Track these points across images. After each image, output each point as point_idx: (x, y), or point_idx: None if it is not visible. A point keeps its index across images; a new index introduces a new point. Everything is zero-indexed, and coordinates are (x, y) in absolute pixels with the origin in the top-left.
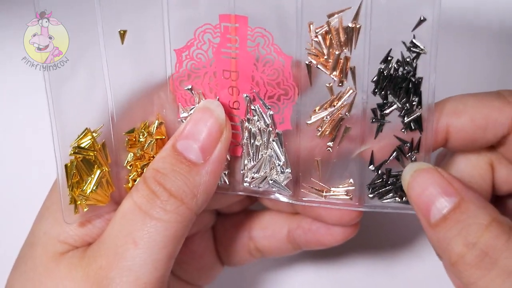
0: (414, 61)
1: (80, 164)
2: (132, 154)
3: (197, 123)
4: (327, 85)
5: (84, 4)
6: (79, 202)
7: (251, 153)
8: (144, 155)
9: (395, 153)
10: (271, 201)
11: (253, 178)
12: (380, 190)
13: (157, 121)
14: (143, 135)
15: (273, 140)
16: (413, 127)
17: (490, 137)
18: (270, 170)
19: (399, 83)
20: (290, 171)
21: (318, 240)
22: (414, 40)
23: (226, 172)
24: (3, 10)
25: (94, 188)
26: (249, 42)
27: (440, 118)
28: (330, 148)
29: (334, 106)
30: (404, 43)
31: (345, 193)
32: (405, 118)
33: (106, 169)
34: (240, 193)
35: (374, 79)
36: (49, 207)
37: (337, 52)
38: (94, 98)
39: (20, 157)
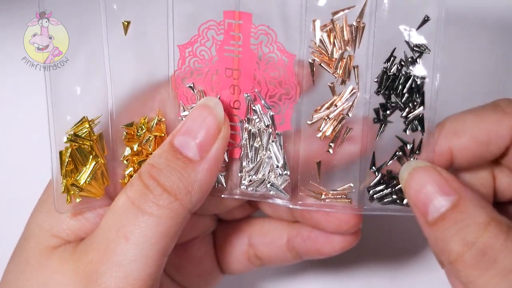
0: (418, 60)
1: (75, 153)
2: (130, 149)
3: (196, 120)
4: (330, 84)
5: None
6: (72, 192)
7: (249, 155)
8: (142, 150)
9: (396, 154)
10: (271, 208)
11: (251, 181)
12: (380, 193)
13: (156, 118)
14: (141, 129)
15: (272, 141)
16: (415, 128)
17: (494, 150)
18: (269, 173)
19: (402, 83)
20: (288, 173)
21: (317, 248)
22: (417, 40)
23: (224, 174)
24: (3, 10)
25: (88, 180)
26: (252, 39)
27: (441, 141)
28: (330, 150)
29: (336, 106)
30: (407, 42)
31: (345, 196)
32: (407, 119)
33: (102, 161)
34: (237, 197)
35: (377, 79)
36: (45, 200)
37: (340, 51)
38: (93, 86)
39: (20, 157)
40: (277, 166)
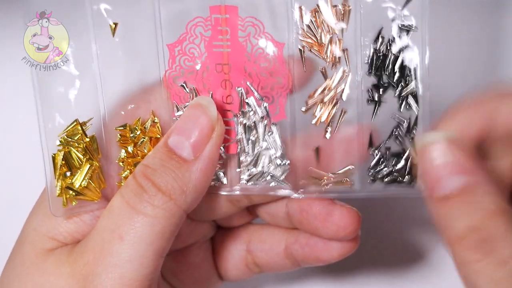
0: (406, 38)
1: (68, 156)
2: (125, 151)
3: (189, 119)
4: (321, 69)
5: None
6: (68, 195)
7: (247, 149)
8: (137, 152)
9: (393, 133)
10: (270, 215)
11: (250, 174)
12: (381, 172)
13: (150, 119)
14: (136, 131)
15: (269, 132)
16: (409, 105)
17: None
18: (268, 164)
19: (392, 62)
20: (288, 162)
21: (316, 255)
22: (404, 18)
23: (223, 171)
24: (3, 10)
25: (83, 183)
26: (240, 32)
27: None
28: (327, 134)
29: (329, 90)
30: (393, 20)
31: (346, 180)
32: (401, 97)
33: (96, 163)
34: (237, 192)
35: (367, 60)
36: (41, 203)
37: (329, 35)
38: (83, 89)
39: (20, 157)
40: (276, 157)
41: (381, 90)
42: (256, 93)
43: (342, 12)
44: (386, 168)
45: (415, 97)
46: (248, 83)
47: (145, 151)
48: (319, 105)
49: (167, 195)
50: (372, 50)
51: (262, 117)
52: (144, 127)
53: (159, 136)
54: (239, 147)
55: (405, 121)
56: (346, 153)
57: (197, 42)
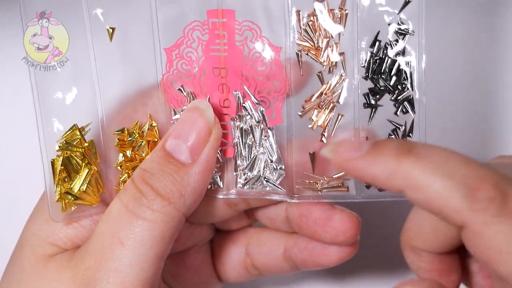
0: (403, 42)
1: (67, 161)
2: (123, 155)
3: (186, 123)
4: (317, 73)
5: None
6: (67, 200)
7: (243, 153)
8: (135, 156)
9: (389, 137)
10: (269, 219)
11: (246, 178)
12: None
13: (148, 123)
14: (133, 135)
15: (265, 136)
16: (405, 110)
17: None
18: (264, 168)
19: (389, 66)
20: (283, 167)
21: (314, 260)
22: (401, 23)
23: (219, 175)
24: (3, 10)
25: (82, 188)
26: (237, 36)
27: None
28: (324, 139)
29: (326, 94)
30: (390, 24)
31: (341, 185)
32: (397, 101)
33: (95, 168)
34: (233, 196)
35: (364, 64)
36: (40, 208)
37: (326, 39)
38: (81, 94)
39: (21, 157)
40: (271, 161)
41: (377, 94)
42: (252, 97)
43: (339, 16)
44: None
45: (411, 101)
46: (245, 87)
47: (143, 155)
48: (316, 109)
49: (166, 199)
50: (369, 54)
51: (259, 121)
52: (142, 131)
53: (156, 139)
54: (235, 150)
55: (401, 125)
56: None
57: (194, 46)
